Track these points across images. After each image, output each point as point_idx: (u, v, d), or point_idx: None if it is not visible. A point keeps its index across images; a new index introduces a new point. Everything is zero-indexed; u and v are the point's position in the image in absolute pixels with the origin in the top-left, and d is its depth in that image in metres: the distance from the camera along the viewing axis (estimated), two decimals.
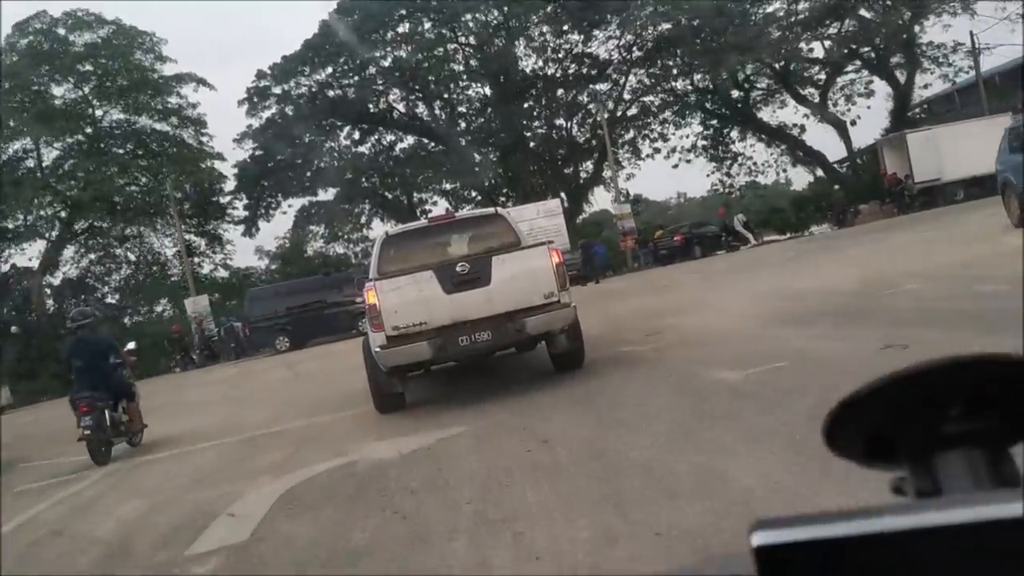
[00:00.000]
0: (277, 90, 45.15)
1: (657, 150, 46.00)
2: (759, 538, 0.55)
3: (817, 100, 44.77)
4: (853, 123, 43.85)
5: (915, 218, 26.66)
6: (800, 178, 63.75)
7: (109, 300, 43.71)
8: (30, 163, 41.16)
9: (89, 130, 41.79)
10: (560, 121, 46.47)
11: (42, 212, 40.91)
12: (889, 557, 0.54)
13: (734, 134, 47.33)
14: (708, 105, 47.13)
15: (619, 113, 44.82)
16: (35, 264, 40.71)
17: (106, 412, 9.78)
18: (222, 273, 44.50)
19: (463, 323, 8.17)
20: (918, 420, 0.71)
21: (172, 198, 38.85)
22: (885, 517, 0.54)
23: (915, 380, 0.67)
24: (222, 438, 9.91)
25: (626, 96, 45.69)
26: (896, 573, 0.54)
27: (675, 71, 45.36)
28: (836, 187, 34.67)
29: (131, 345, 12.11)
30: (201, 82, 42.77)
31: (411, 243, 9.44)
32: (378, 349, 8.16)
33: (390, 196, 47.03)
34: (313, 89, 45.71)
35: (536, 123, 46.41)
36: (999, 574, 0.52)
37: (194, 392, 18.70)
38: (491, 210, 10.52)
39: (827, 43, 43.22)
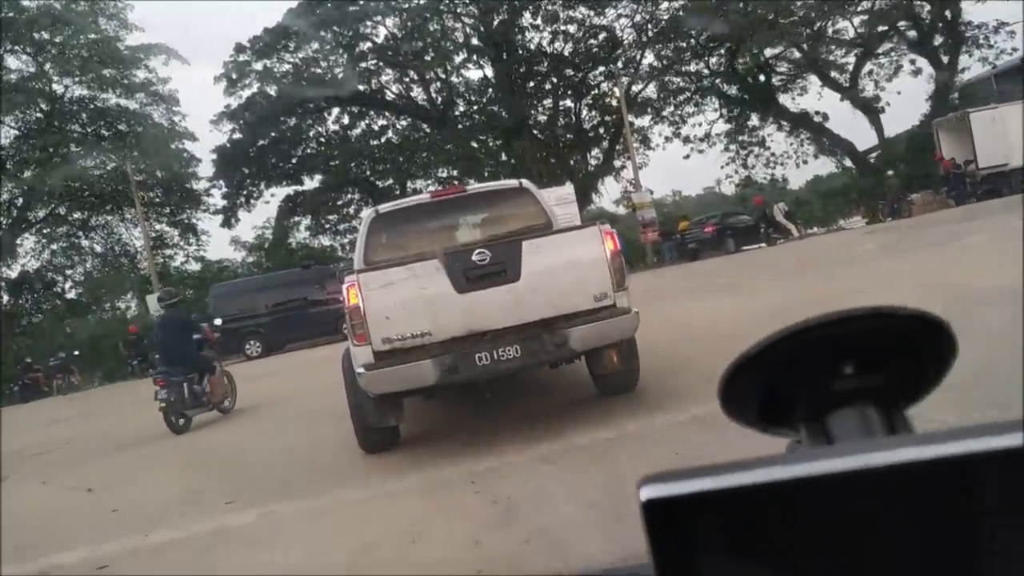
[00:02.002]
0: (258, 66, 41.22)
1: (669, 138, 42.35)
2: (647, 492, 0.53)
3: (846, 84, 41.25)
4: (882, 110, 40.34)
5: (978, 209, 22.70)
6: (813, 171, 60.43)
7: (70, 296, 39.76)
8: None
9: (46, 106, 37.59)
10: (568, 103, 42.64)
11: None
12: (782, 508, 0.53)
13: (753, 121, 43.67)
14: (726, 89, 43.38)
15: (634, 93, 40.79)
16: None
17: (184, 385, 10.67)
18: (194, 267, 40.53)
19: (482, 334, 6.05)
20: (813, 378, 0.70)
21: (132, 180, 34.67)
22: (776, 467, 0.53)
23: (806, 336, 0.66)
24: None
25: (641, 77, 41.71)
26: (790, 523, 0.53)
27: (688, 53, 41.64)
28: (890, 173, 30.94)
29: (217, 321, 14.12)
30: (172, 54, 38.69)
31: (409, 224, 7.35)
32: (361, 370, 5.93)
33: (381, 184, 43.20)
34: (298, 66, 41.83)
35: (542, 105, 42.63)
36: (891, 520, 0.52)
37: (82, 426, 14.62)
38: (514, 182, 7.76)
39: (858, 20, 39.74)
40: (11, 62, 37.08)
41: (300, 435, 8.18)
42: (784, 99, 42.90)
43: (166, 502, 6.27)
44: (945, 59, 38.62)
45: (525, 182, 7.71)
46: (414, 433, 7.03)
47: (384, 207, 7.52)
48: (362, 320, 6.00)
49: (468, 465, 5.61)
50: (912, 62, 39.87)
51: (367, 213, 7.67)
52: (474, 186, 8.30)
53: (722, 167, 44.03)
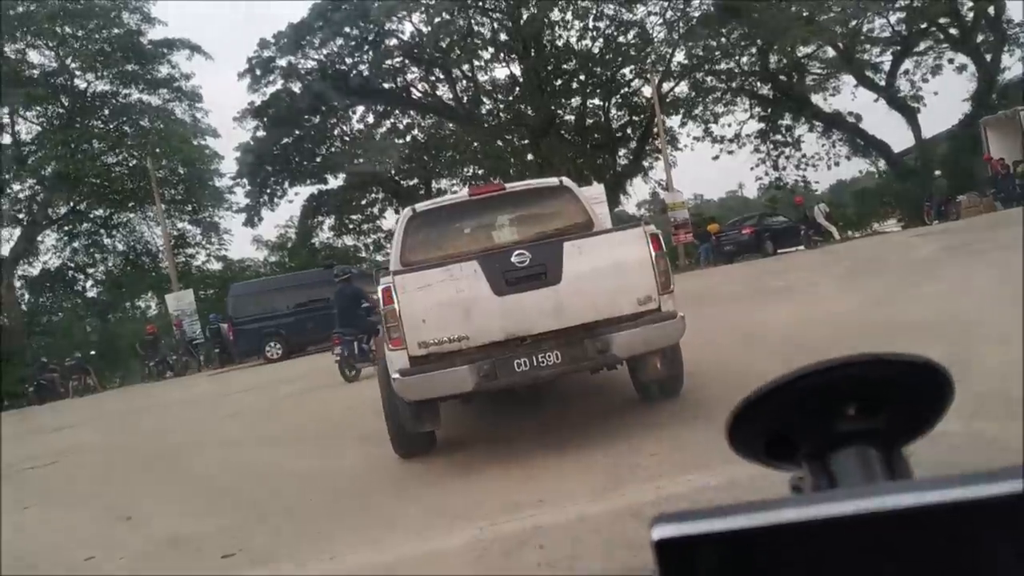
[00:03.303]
0: (282, 62, 40.62)
1: (699, 138, 41.21)
2: (659, 532, 0.55)
3: (882, 83, 40.02)
4: (918, 110, 39.10)
5: None
6: (836, 174, 58.89)
7: (90, 294, 39.26)
8: (4, 139, 36.67)
9: (68, 102, 37.12)
10: (596, 102, 41.62)
11: (17, 191, 36.61)
12: (788, 550, 0.55)
13: (785, 121, 42.41)
14: (758, 89, 42.20)
15: (664, 92, 39.67)
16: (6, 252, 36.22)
17: (354, 343, 13.16)
18: (215, 266, 39.92)
19: (521, 339, 5.79)
20: (816, 419, 0.74)
21: (153, 177, 34.00)
22: (784, 509, 0.55)
23: (813, 379, 0.70)
24: None
25: (672, 75, 40.59)
26: (795, 565, 0.55)
27: (719, 52, 40.48)
28: (937, 173, 29.71)
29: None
30: (195, 49, 38.04)
31: (447, 223, 7.20)
32: (397, 375, 5.75)
33: (406, 184, 42.47)
34: (323, 63, 41.18)
35: (570, 104, 41.65)
36: (894, 564, 0.54)
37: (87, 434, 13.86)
38: (554, 180, 7.45)
39: (895, 17, 38.54)
40: (33, 56, 36.77)
41: None
42: (816, 99, 41.75)
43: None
44: (987, 57, 37.33)
45: (565, 180, 7.39)
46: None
47: (421, 206, 7.29)
48: (398, 323, 5.74)
49: None
50: (950, 61, 38.72)
51: (404, 212, 7.28)
52: (513, 184, 7.76)
53: (752, 168, 42.77)
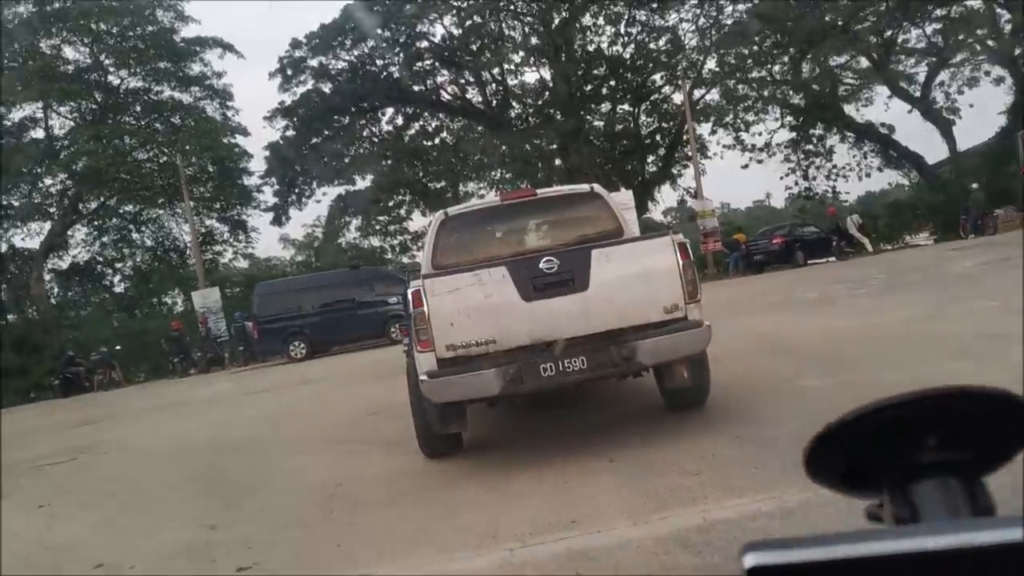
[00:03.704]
0: (313, 63, 40.63)
1: (729, 146, 40.70)
2: (751, 559, 0.56)
3: (916, 95, 39.42)
4: (953, 123, 38.45)
5: None
6: (865, 186, 58.05)
7: (118, 290, 39.41)
8: (37, 133, 36.94)
9: (101, 97, 37.32)
10: (626, 108, 41.26)
11: (48, 186, 36.87)
12: None
13: (817, 131, 41.83)
14: (789, 98, 41.66)
15: (695, 99, 39.23)
16: (36, 245, 36.46)
17: None
18: (242, 264, 39.95)
19: (547, 344, 5.83)
20: (897, 449, 0.74)
21: (183, 174, 34.05)
22: (875, 542, 0.56)
23: (894, 410, 0.71)
24: None
25: (704, 82, 40.14)
26: None
27: (750, 60, 39.97)
28: (974, 186, 29.09)
29: None
30: (228, 48, 38.15)
31: (478, 227, 7.28)
32: (424, 377, 5.80)
33: (434, 186, 42.34)
34: (354, 64, 41.17)
35: (599, 110, 41.33)
36: None
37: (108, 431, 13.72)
38: (585, 187, 7.48)
39: (930, 28, 37.97)
40: (68, 52, 36.99)
41: None
42: (849, 109, 41.20)
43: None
44: None
45: (596, 187, 7.42)
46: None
47: (453, 209, 7.37)
48: (427, 326, 5.79)
49: None
50: (987, 73, 38.05)
51: (437, 215, 7.32)
52: (545, 190, 7.89)
53: (781, 177, 42.14)
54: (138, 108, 38.73)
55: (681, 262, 5.92)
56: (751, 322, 11.71)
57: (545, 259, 5.94)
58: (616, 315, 5.86)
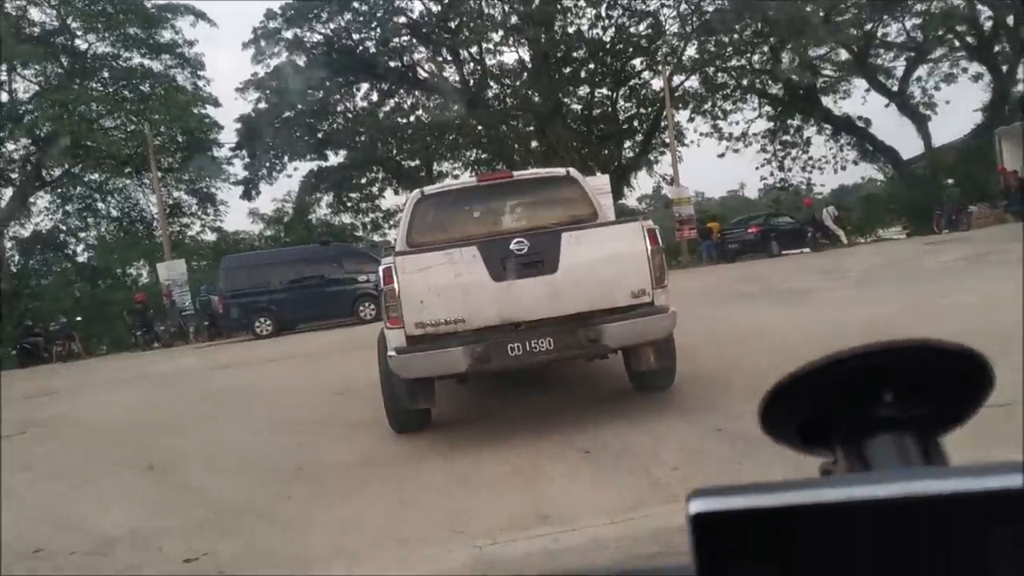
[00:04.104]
0: (288, 35, 39.78)
1: (707, 134, 40.56)
2: (696, 506, 0.56)
3: (894, 89, 39.46)
4: (928, 118, 38.56)
5: None
6: (839, 180, 58.32)
7: (81, 260, 38.54)
8: (1, 96, 35.88)
9: (67, 62, 36.33)
10: (605, 92, 40.91)
11: (11, 151, 35.83)
12: (819, 531, 0.55)
13: (794, 122, 41.76)
14: (768, 88, 41.54)
15: (674, 86, 38.95)
16: None
17: None
18: (210, 237, 39.21)
19: (515, 325, 5.97)
20: (852, 403, 0.72)
21: (151, 143, 33.26)
22: (823, 488, 0.55)
23: (851, 362, 0.69)
24: None
25: (684, 69, 39.87)
26: (824, 547, 0.55)
27: (730, 48, 39.74)
28: (950, 182, 29.11)
29: None
30: (200, 16, 37.21)
31: (454, 207, 7.35)
32: (393, 353, 5.91)
33: (407, 164, 41.81)
34: (330, 37, 40.41)
35: (577, 93, 40.94)
36: (925, 550, 0.54)
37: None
38: (561, 171, 7.60)
39: (911, 23, 37.96)
40: (34, 14, 35.85)
41: None
42: (827, 101, 41.17)
43: None
44: (1004, 68, 36.77)
45: (573, 171, 7.52)
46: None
47: (430, 189, 7.51)
48: (397, 303, 5.90)
49: None
50: (964, 70, 38.15)
51: (413, 194, 7.41)
52: (521, 172, 7.89)
53: (757, 168, 42.24)
54: (106, 74, 37.66)
55: (650, 248, 6.03)
56: (728, 312, 11.49)
57: (516, 241, 6.00)
58: (584, 298, 5.95)
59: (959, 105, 44.74)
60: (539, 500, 4.51)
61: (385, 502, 4.94)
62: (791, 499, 0.54)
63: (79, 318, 28.09)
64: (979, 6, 36.05)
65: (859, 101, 53.72)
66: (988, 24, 36.60)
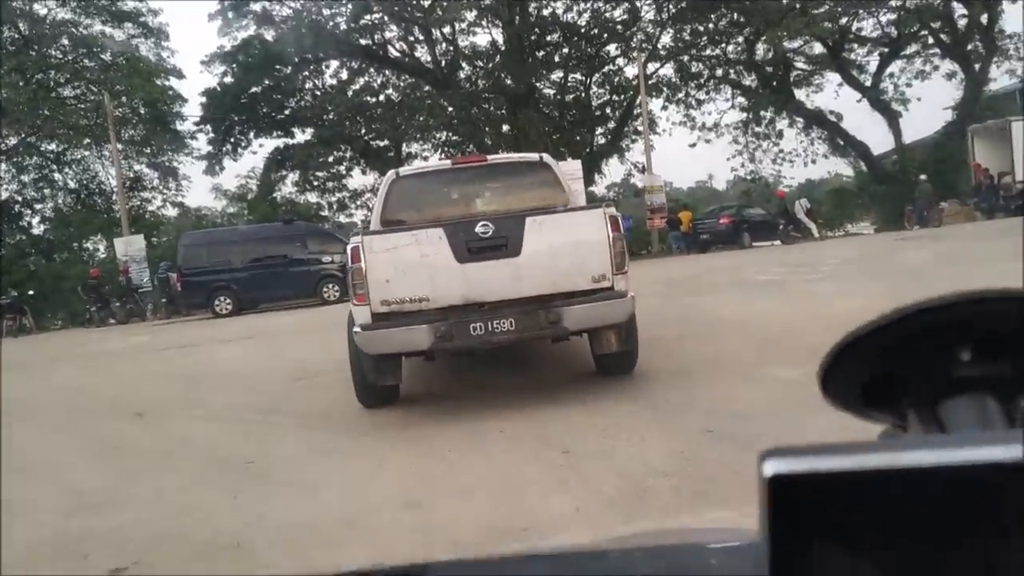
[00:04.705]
0: (256, 7, 38.68)
1: (681, 123, 40.33)
2: (771, 467, 0.52)
3: (867, 84, 39.42)
4: (899, 115, 38.53)
5: (1014, 225, 20.73)
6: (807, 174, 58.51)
7: (36, 232, 37.36)
8: None
9: (25, 27, 35.04)
10: (578, 77, 40.40)
11: None
12: (894, 494, 0.50)
13: (767, 114, 41.57)
14: (742, 79, 41.34)
15: (649, 71, 38.54)
16: None
17: None
18: (171, 212, 38.24)
19: (478, 305, 6.16)
20: (926, 363, 0.66)
21: (111, 113, 32.22)
22: (922, 450, 0.50)
23: (921, 318, 0.63)
24: None
25: (659, 57, 39.47)
26: (905, 510, 0.50)
27: (705, 38, 39.43)
28: (923, 177, 29.06)
29: None
30: None
31: (428, 189, 7.58)
32: (358, 329, 6.11)
33: (376, 145, 41.02)
34: (300, 12, 39.42)
35: (550, 78, 40.38)
36: (1003, 517, 0.48)
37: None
38: (534, 156, 7.76)
39: (885, 19, 37.88)
40: None
41: None
42: (799, 95, 41.04)
43: None
44: (976, 66, 36.81)
45: (546, 157, 7.64)
46: None
47: (405, 170, 7.76)
48: (363, 281, 6.09)
49: None
50: (936, 68, 38.16)
51: (388, 175, 7.60)
52: (495, 156, 8.19)
53: (728, 159, 42.23)
54: (65, 42, 36.37)
55: (612, 235, 6.20)
56: (706, 303, 11.10)
57: (481, 224, 6.19)
58: (546, 281, 6.14)
59: (928, 102, 45.03)
60: (518, 508, 4.06)
61: (342, 507, 4.46)
62: (883, 461, 0.48)
63: (30, 292, 27.16)
64: (954, 3, 35.98)
65: (831, 95, 53.91)
66: (962, 22, 36.50)
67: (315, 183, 41.26)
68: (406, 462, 5.23)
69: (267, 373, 9.55)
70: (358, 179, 40.65)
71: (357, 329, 6.12)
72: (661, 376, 6.62)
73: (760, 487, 0.49)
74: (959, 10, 36.31)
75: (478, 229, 6.16)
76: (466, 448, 5.29)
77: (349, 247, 6.25)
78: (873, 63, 39.79)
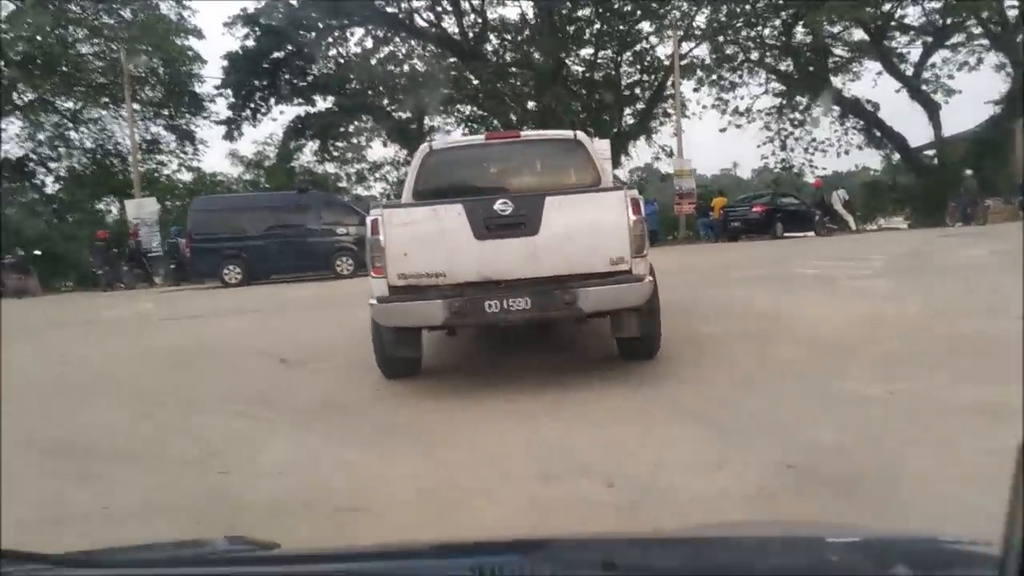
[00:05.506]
0: None
1: (713, 106, 39.11)
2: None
3: (909, 74, 38.07)
4: (939, 106, 37.22)
5: None
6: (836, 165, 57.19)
7: (49, 191, 36.75)
8: None
9: None
10: (609, 54, 39.24)
11: None
12: None
13: (803, 100, 40.18)
14: (777, 64, 40.03)
15: (683, 52, 37.30)
16: None
17: None
18: (186, 176, 37.52)
19: (495, 282, 6.17)
20: None
21: (127, 72, 31.44)
22: None
23: None
24: None
25: (693, 37, 38.21)
26: None
27: (741, 20, 38.10)
28: (968, 173, 27.92)
29: None
30: None
31: (460, 163, 7.52)
32: (374, 301, 6.20)
33: (398, 116, 40.09)
34: None
35: (579, 55, 39.26)
36: None
37: None
38: (568, 133, 7.73)
39: (929, 6, 36.47)
40: None
41: None
42: (836, 82, 39.70)
43: None
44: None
45: (580, 134, 7.59)
46: None
47: (438, 143, 7.73)
48: (381, 254, 6.15)
49: None
50: (980, 60, 36.78)
51: (421, 147, 7.61)
52: (529, 132, 8.37)
53: (759, 146, 40.81)
54: None
55: (632, 218, 6.13)
56: (749, 296, 10.10)
57: (500, 201, 6.20)
58: (563, 261, 6.13)
59: (971, 95, 43.58)
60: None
61: (334, 529, 3.58)
62: None
63: (37, 252, 26.48)
64: None
65: (869, 84, 52.37)
66: (1013, 12, 35.07)
67: (335, 153, 40.55)
68: (419, 474, 4.35)
69: (266, 353, 8.65)
70: (378, 151, 39.79)
71: (373, 301, 6.19)
72: (717, 388, 5.69)
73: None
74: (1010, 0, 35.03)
75: (497, 206, 6.17)
76: (485, 478, 4.39)
77: (369, 219, 6.31)
78: (915, 52, 38.56)
